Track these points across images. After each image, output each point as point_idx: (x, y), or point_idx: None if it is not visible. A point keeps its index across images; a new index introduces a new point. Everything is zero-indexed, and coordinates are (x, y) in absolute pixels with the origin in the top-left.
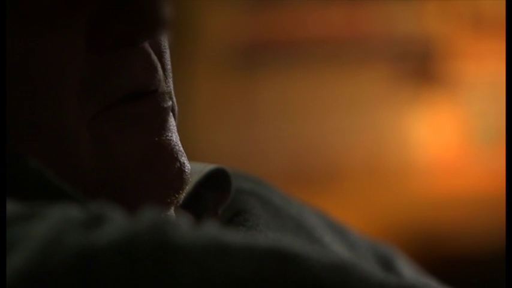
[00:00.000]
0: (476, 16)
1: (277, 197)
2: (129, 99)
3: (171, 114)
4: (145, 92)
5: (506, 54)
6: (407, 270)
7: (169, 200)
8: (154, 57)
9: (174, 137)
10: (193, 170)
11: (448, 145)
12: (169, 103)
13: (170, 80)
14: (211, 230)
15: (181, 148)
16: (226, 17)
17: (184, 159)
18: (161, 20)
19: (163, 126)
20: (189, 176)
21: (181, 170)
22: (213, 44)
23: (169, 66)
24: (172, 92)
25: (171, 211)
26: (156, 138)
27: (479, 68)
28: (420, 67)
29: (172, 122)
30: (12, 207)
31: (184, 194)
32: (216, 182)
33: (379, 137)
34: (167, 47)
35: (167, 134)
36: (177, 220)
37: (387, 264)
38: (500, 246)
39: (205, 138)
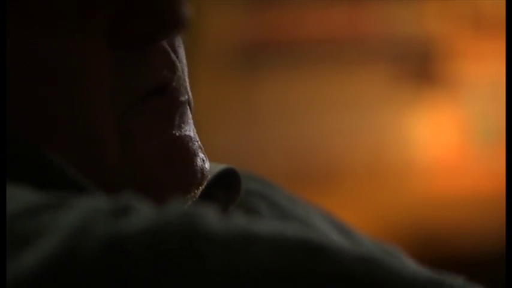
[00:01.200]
0: (477, 16)
1: (283, 198)
2: (152, 95)
3: (187, 107)
4: (165, 87)
5: (506, 54)
6: None
7: (189, 195)
8: (173, 55)
9: (193, 131)
10: None
11: (448, 145)
12: (186, 96)
13: (186, 75)
14: (240, 220)
15: (200, 143)
16: (226, 18)
17: (203, 154)
18: (181, 18)
19: (182, 120)
20: (208, 171)
21: (202, 166)
22: (214, 45)
23: (184, 61)
24: (188, 86)
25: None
26: (177, 133)
27: (479, 68)
28: (420, 67)
29: (189, 116)
30: (38, 196)
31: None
32: (226, 182)
33: (380, 137)
34: (181, 42)
35: (186, 128)
36: (206, 210)
37: None
38: (500, 247)
39: (206, 139)
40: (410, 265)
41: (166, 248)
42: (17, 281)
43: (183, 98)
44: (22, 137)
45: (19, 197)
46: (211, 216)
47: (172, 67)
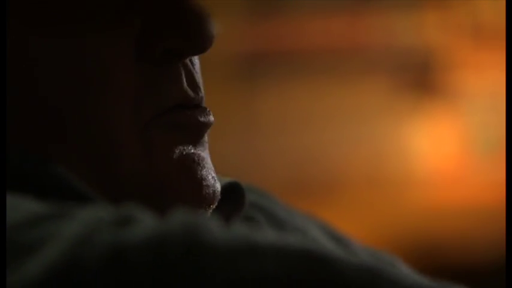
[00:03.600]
0: (476, 27)
1: (280, 209)
2: (177, 109)
3: (206, 130)
4: (190, 105)
5: (506, 64)
6: None
7: (201, 212)
8: (197, 76)
9: (207, 153)
10: None
11: (448, 156)
12: (210, 119)
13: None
14: (242, 230)
15: (212, 165)
16: (226, 28)
17: (216, 176)
18: (209, 37)
19: (199, 140)
20: (219, 192)
21: (214, 185)
22: (214, 55)
23: (201, 82)
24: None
25: None
26: (193, 151)
27: (479, 78)
28: (420, 78)
29: (206, 139)
30: (42, 206)
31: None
32: (230, 195)
33: (379, 148)
34: (198, 63)
35: (201, 148)
36: (208, 220)
37: None
38: (500, 257)
39: None
40: (410, 274)
41: (168, 257)
42: None
43: (205, 120)
44: (38, 145)
45: (23, 206)
46: (213, 226)
47: (196, 88)
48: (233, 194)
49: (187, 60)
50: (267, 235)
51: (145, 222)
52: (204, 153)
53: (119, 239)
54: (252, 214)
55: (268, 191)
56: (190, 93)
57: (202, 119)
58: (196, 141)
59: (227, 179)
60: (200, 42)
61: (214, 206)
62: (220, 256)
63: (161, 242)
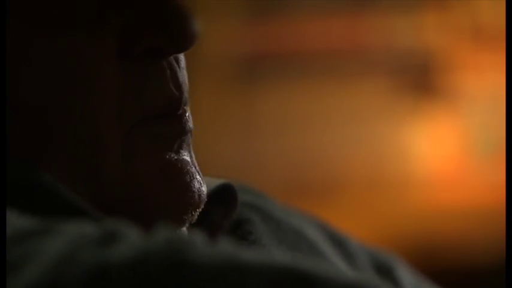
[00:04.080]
0: (476, 28)
1: (277, 210)
2: (161, 116)
3: (189, 135)
4: (175, 107)
5: (506, 66)
6: (408, 278)
7: (186, 218)
8: (180, 74)
9: (191, 156)
10: None
11: (448, 157)
12: (190, 125)
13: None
14: (227, 248)
15: (198, 168)
16: (226, 30)
17: (200, 177)
18: (191, 34)
19: (182, 145)
20: (206, 194)
21: (200, 188)
22: (213, 57)
23: (186, 81)
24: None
25: (185, 228)
26: (176, 157)
27: (479, 80)
28: (420, 79)
29: (189, 143)
30: (26, 221)
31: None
32: (222, 196)
33: (379, 149)
34: (184, 64)
35: (184, 152)
36: (192, 238)
37: (386, 272)
38: (500, 259)
39: (205, 150)
40: (407, 276)
41: (152, 275)
42: None
43: (187, 126)
44: (19, 146)
45: (7, 221)
46: (198, 244)
47: (180, 87)
48: (226, 195)
49: (172, 59)
50: (252, 253)
51: (129, 239)
52: (187, 157)
53: (102, 258)
54: (248, 215)
55: (268, 192)
56: (175, 93)
57: (183, 126)
58: (179, 147)
59: (219, 181)
60: (181, 40)
61: (200, 209)
62: (204, 274)
63: (145, 259)
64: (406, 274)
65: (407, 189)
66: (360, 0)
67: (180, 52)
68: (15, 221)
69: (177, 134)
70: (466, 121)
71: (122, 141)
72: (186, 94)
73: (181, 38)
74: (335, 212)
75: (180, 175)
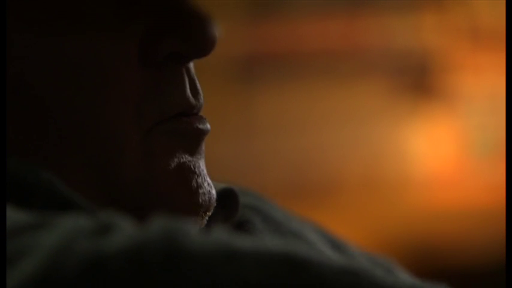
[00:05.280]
0: (474, 29)
1: (277, 212)
2: (179, 116)
3: (203, 138)
4: (192, 111)
5: (506, 66)
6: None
7: (197, 220)
8: (198, 82)
9: (202, 161)
10: None
11: (446, 158)
12: (207, 126)
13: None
14: (221, 235)
15: (207, 173)
16: (223, 30)
17: (210, 181)
18: (212, 40)
19: (197, 148)
20: (215, 198)
21: (210, 191)
22: (211, 57)
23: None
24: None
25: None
26: (190, 158)
27: (477, 80)
28: (418, 80)
29: (203, 147)
30: (21, 216)
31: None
32: (224, 201)
33: (377, 150)
34: (193, 69)
35: (198, 156)
36: (187, 227)
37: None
38: (499, 259)
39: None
40: (404, 278)
41: (147, 264)
42: None
43: (204, 128)
44: (33, 145)
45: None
46: (192, 232)
47: (197, 94)
48: (227, 200)
49: (189, 66)
50: (246, 240)
51: (124, 230)
52: (200, 161)
53: (98, 248)
54: (248, 217)
55: (266, 193)
56: (192, 100)
57: (200, 127)
58: (194, 149)
59: (221, 185)
60: (203, 45)
61: (210, 213)
62: (199, 261)
63: (140, 249)
64: (405, 278)
65: (405, 190)
66: (358, 1)
67: (199, 57)
68: (12, 215)
69: (196, 133)
70: (463, 122)
71: (141, 142)
72: (201, 101)
73: (202, 43)
74: (333, 213)
75: (193, 176)
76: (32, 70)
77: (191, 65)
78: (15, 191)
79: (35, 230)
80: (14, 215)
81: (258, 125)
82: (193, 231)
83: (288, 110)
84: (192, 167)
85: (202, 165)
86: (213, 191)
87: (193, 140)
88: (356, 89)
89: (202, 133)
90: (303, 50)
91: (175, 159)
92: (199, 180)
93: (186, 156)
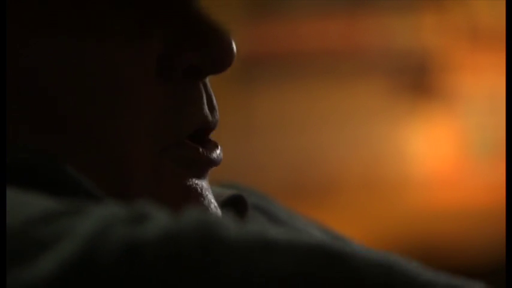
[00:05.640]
0: (473, 29)
1: (282, 212)
2: (194, 139)
3: (213, 166)
4: (208, 127)
5: (506, 66)
6: None
7: None
8: (214, 99)
9: (207, 182)
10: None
11: (445, 158)
12: (220, 156)
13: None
14: (256, 226)
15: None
16: None
17: (216, 202)
18: (230, 54)
19: (204, 173)
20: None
21: (216, 212)
22: None
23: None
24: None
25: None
26: (197, 182)
27: (476, 80)
28: (417, 80)
29: (208, 172)
30: (55, 203)
31: None
32: (232, 207)
33: (377, 150)
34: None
35: (204, 180)
36: (222, 218)
37: None
38: (498, 259)
39: None
40: (425, 271)
41: (182, 253)
42: (34, 286)
43: (215, 158)
44: (49, 150)
45: (37, 203)
46: (227, 223)
47: (213, 111)
48: (236, 206)
49: (205, 82)
50: (280, 232)
51: (159, 219)
52: (206, 183)
53: (134, 235)
54: (254, 216)
55: (265, 193)
56: (210, 116)
57: (212, 157)
58: (203, 175)
59: (230, 192)
60: (222, 60)
61: None
62: (236, 251)
63: (176, 237)
64: (439, 274)
65: (404, 190)
66: (358, 1)
67: (218, 72)
68: (46, 202)
69: (207, 163)
70: (463, 122)
71: (153, 162)
72: (217, 117)
73: (221, 57)
74: (332, 213)
75: (200, 199)
76: (50, 77)
77: (207, 80)
78: (42, 184)
79: (70, 215)
80: (47, 202)
81: (257, 125)
82: (229, 221)
83: (288, 110)
84: (198, 189)
85: (208, 187)
86: (219, 212)
87: (204, 169)
88: (355, 89)
89: (213, 164)
90: (303, 50)
91: (183, 183)
92: (206, 202)
93: (193, 180)
